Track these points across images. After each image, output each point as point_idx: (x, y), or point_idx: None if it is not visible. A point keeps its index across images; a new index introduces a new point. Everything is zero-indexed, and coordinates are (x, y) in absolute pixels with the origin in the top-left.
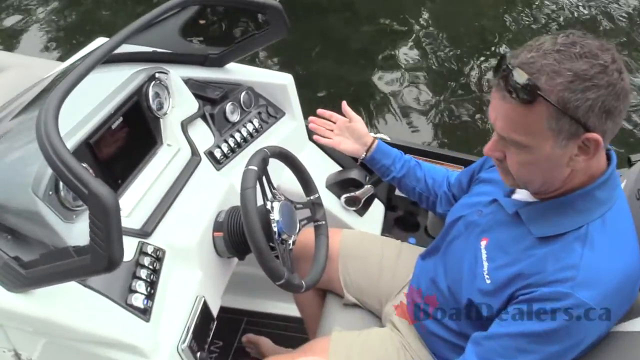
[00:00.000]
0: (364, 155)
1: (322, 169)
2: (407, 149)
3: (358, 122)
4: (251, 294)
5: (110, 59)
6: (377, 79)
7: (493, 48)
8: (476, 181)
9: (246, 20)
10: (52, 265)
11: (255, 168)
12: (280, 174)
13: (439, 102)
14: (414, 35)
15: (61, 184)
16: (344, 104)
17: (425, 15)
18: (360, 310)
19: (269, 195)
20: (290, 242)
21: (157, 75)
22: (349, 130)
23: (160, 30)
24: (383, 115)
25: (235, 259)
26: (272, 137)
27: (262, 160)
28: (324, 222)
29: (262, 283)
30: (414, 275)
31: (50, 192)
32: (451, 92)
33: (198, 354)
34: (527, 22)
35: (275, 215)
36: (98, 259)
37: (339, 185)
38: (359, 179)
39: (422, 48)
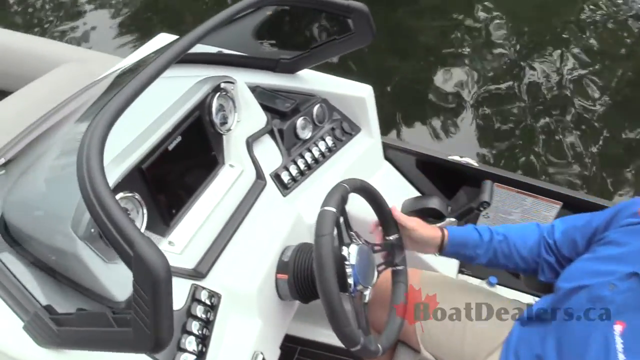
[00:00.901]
0: (437, 255)
1: (397, 192)
2: (491, 176)
3: (416, 229)
4: (307, 320)
5: None
6: (446, 78)
7: (576, 50)
8: (600, 241)
9: (326, 23)
10: (87, 330)
11: (334, 209)
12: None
13: (519, 110)
14: (488, 32)
15: None
16: (394, 209)
17: (501, 10)
18: None
19: (346, 238)
20: (367, 294)
21: (222, 85)
22: (410, 241)
23: (229, 30)
24: (450, 121)
25: (297, 302)
26: (346, 156)
27: (341, 199)
28: (403, 268)
29: (321, 309)
30: (509, 342)
31: (93, 230)
32: (533, 100)
33: None
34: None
35: (351, 261)
36: (141, 338)
37: (417, 214)
38: (440, 209)
39: (497, 47)
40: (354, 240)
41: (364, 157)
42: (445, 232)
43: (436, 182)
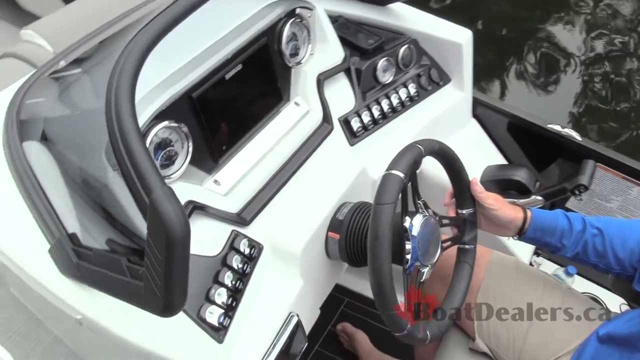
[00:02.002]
0: (515, 238)
1: (481, 156)
2: (594, 154)
3: (496, 208)
4: (359, 272)
5: None
6: (560, 32)
7: None
8: None
9: None
10: (103, 272)
11: (402, 175)
12: None
13: None
14: None
15: None
16: (474, 182)
17: None
18: None
19: (411, 206)
20: (425, 272)
21: (298, 11)
22: (485, 221)
23: None
24: (554, 83)
25: (346, 264)
26: (429, 109)
27: (412, 163)
28: (472, 247)
29: None
30: (580, 356)
31: None
32: None
33: None
34: None
35: (413, 233)
36: (151, 298)
37: (498, 185)
38: (526, 183)
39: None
40: (420, 211)
41: (449, 112)
42: (529, 213)
43: (528, 151)
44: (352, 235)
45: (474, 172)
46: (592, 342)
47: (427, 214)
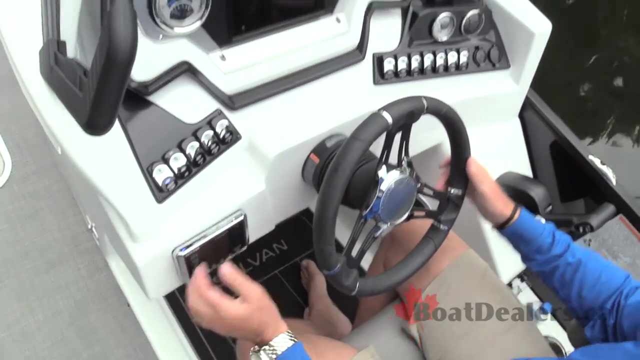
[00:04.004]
0: (492, 228)
1: (507, 158)
2: (622, 205)
3: (487, 197)
4: (345, 221)
5: None
6: None
7: None
8: None
9: None
10: (64, 81)
11: (390, 120)
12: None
13: None
14: None
15: None
16: (472, 162)
17: None
18: (416, 351)
19: (393, 159)
20: (383, 228)
21: None
22: (475, 199)
23: None
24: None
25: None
26: (473, 87)
27: (409, 113)
28: (445, 229)
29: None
30: None
31: None
32: None
33: (198, 268)
34: None
35: (381, 187)
36: (81, 109)
37: (509, 193)
38: (537, 203)
39: None
40: (401, 168)
41: (494, 100)
42: (516, 215)
43: (560, 176)
44: (328, 165)
45: (492, 172)
46: None
47: (406, 175)
